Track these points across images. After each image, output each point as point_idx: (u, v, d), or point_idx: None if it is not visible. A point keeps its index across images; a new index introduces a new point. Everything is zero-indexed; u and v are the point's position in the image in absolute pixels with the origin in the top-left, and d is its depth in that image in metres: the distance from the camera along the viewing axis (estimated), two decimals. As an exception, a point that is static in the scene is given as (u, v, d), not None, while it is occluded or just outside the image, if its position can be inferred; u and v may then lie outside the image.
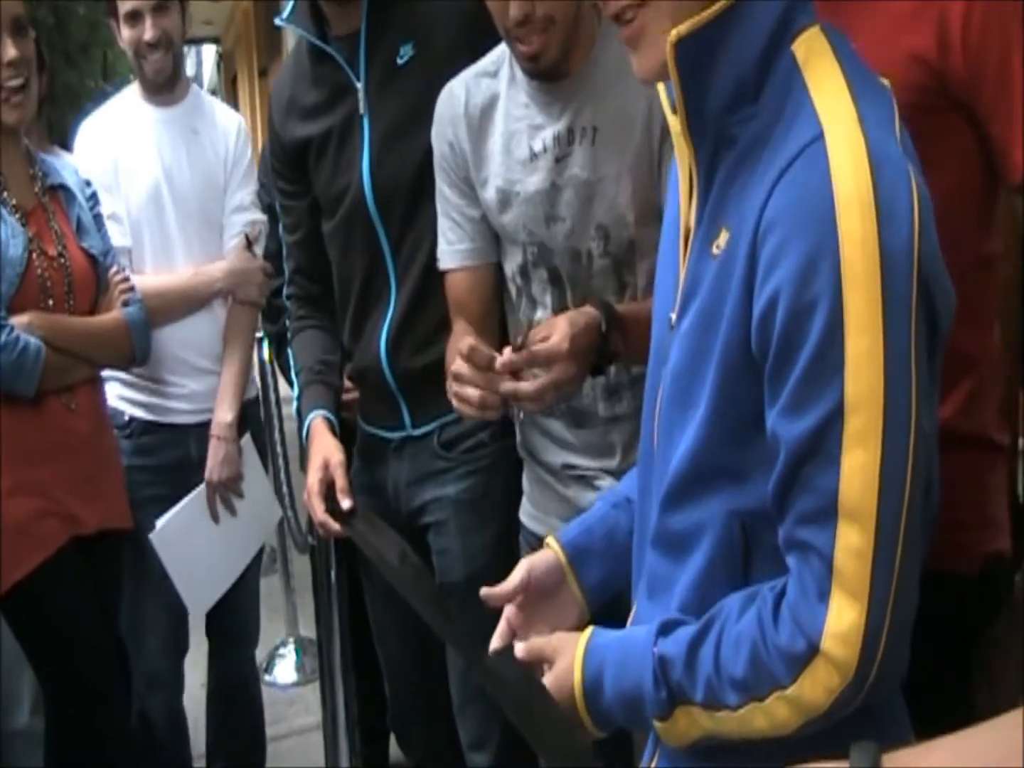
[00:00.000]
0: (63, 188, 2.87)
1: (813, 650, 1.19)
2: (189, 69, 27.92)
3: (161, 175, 3.22)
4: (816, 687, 1.20)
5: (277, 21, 2.55)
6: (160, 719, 3.29)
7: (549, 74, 2.03)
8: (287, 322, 2.71)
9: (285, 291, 2.70)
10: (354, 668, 3.08)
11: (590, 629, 1.47)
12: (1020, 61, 1.69)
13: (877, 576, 1.16)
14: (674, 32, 1.23)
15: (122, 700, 2.89)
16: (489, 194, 2.15)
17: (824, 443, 1.17)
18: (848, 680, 1.19)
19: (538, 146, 2.07)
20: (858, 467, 1.15)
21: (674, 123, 1.35)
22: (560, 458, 2.17)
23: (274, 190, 2.71)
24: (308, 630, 4.42)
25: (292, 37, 2.60)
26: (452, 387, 1.87)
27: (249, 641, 3.54)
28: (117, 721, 2.84)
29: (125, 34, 3.17)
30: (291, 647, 4.80)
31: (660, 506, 1.38)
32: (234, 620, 3.42)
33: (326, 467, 2.34)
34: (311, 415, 2.46)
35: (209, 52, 23.29)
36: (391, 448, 2.54)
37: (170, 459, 3.22)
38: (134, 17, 3.13)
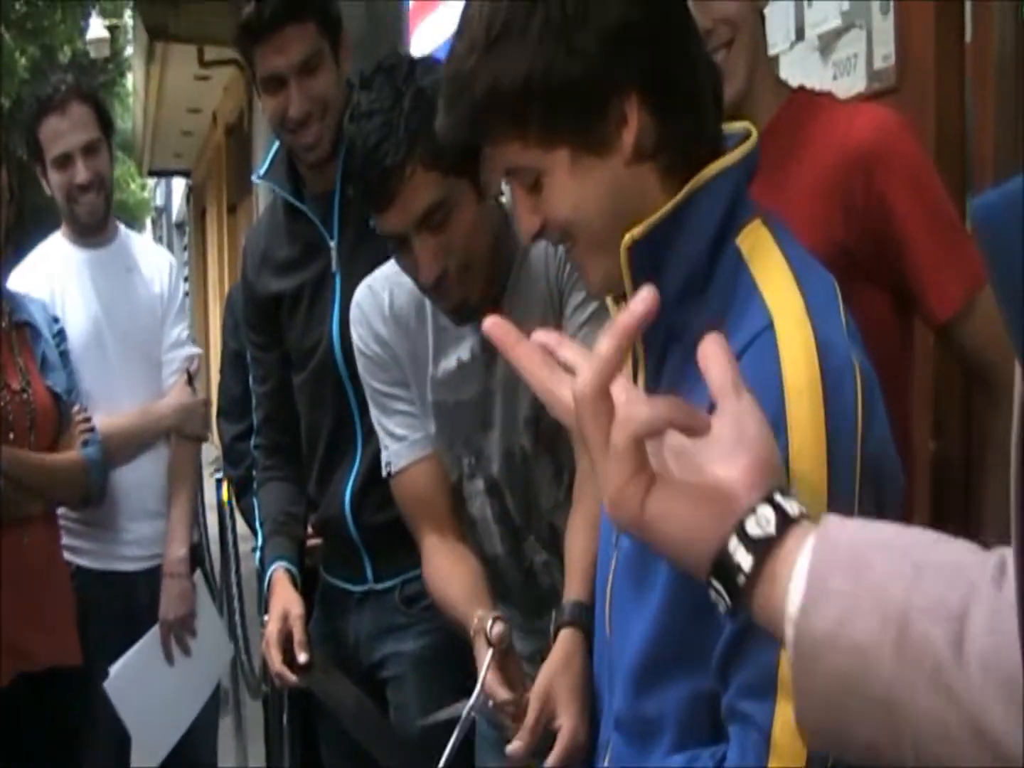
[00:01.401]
0: (29, 325, 2.89)
1: None
2: (158, 200, 28.13)
3: (101, 314, 3.21)
4: None
5: (254, 178, 2.61)
6: None
7: (477, 313, 1.88)
8: (253, 471, 2.73)
9: (253, 440, 2.72)
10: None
11: None
12: (919, 211, 1.83)
13: (814, 754, 1.16)
14: (628, 237, 1.26)
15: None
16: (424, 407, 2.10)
17: None
18: None
19: (466, 355, 2.02)
20: None
21: (616, 312, 1.37)
22: (528, 646, 2.10)
23: (245, 340, 2.74)
24: (257, 775, 4.35)
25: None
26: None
27: None
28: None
29: (55, 179, 3.13)
30: (240, 792, 4.71)
31: (623, 693, 1.38)
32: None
33: (285, 618, 2.33)
34: (273, 566, 2.46)
35: (179, 184, 23.49)
36: (353, 600, 2.55)
37: (120, 609, 3.18)
38: (64, 161, 3.11)
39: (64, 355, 2.97)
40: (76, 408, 2.93)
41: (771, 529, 0.82)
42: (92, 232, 3.26)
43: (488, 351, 1.97)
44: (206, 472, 3.75)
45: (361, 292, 2.15)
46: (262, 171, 2.55)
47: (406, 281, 2.04)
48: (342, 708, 2.16)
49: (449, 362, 2.04)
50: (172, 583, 3.16)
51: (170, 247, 21.90)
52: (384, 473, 2.15)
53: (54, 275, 3.22)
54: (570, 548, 1.91)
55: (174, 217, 25.25)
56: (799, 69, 2.66)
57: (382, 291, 2.11)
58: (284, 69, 2.35)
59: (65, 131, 3.10)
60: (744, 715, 1.21)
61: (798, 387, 1.18)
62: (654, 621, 1.30)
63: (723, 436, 0.89)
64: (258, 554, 2.58)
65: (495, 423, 2.02)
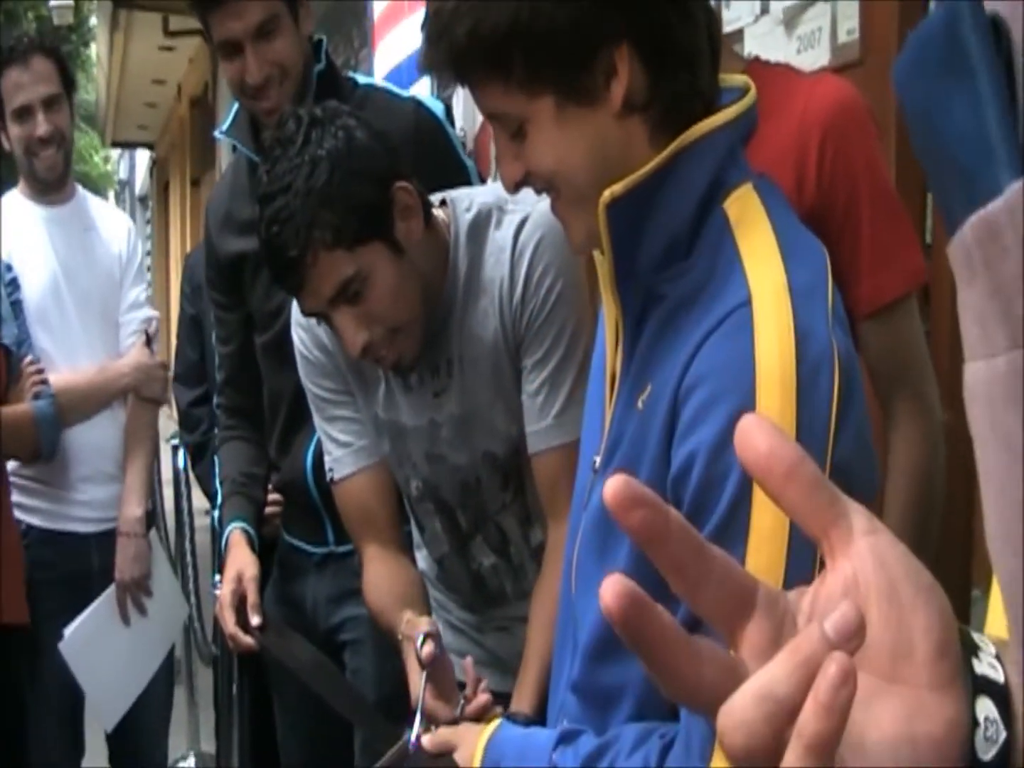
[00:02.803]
0: None
1: None
2: (121, 172, 27.91)
3: (59, 271, 3.19)
4: None
5: (216, 133, 2.59)
6: None
7: (416, 363, 1.89)
8: (210, 434, 2.72)
9: (215, 400, 2.70)
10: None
11: (496, 722, 1.49)
12: (866, 194, 1.79)
13: None
14: (607, 193, 1.20)
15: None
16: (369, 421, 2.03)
17: None
18: None
19: (413, 378, 1.94)
20: None
21: (603, 271, 1.32)
22: (477, 619, 2.09)
23: (208, 301, 2.73)
24: (209, 745, 4.35)
25: (227, 149, 2.64)
26: None
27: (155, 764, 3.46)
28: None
29: (14, 132, 3.13)
30: (191, 761, 4.70)
31: (581, 659, 1.35)
32: (140, 743, 3.34)
33: (239, 580, 2.31)
34: (230, 526, 2.45)
35: (143, 157, 23.32)
36: (313, 563, 2.55)
37: (70, 571, 3.16)
38: (24, 113, 3.10)
39: (16, 305, 2.95)
40: (27, 360, 2.90)
41: (1001, 733, 0.56)
42: (50, 189, 3.24)
43: (439, 379, 1.92)
44: (162, 442, 3.73)
45: None
46: (224, 127, 2.53)
47: None
48: (299, 665, 2.16)
49: (396, 381, 1.96)
50: (128, 543, 3.14)
51: (133, 220, 21.77)
52: (328, 479, 2.10)
53: (11, 230, 3.19)
54: (529, 639, 1.88)
55: (137, 191, 25.08)
56: (763, 42, 2.67)
57: None
58: (240, 34, 2.32)
59: (26, 83, 3.09)
60: None
61: (771, 377, 1.12)
62: None
63: (879, 636, 0.55)
64: (216, 513, 2.57)
65: (445, 458, 1.96)
